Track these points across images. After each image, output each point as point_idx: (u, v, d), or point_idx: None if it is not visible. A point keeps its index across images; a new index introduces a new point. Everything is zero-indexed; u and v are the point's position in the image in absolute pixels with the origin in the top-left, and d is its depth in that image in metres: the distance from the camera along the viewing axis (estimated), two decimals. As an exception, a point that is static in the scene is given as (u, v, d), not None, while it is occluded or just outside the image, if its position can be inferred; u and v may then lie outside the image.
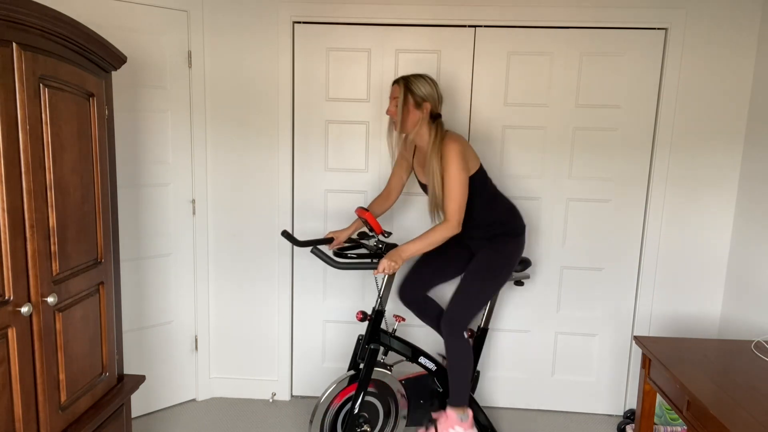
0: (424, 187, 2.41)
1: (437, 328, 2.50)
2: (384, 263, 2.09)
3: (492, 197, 2.32)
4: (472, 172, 2.21)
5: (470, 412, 2.34)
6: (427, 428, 2.45)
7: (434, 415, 2.39)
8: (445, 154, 2.14)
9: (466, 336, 2.26)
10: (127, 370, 2.67)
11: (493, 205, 2.31)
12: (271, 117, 2.79)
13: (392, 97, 2.23)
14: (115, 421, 1.95)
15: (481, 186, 2.26)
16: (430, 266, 2.47)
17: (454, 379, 2.28)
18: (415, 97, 2.18)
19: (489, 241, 2.32)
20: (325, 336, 3.00)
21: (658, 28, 2.61)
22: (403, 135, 2.31)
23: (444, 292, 2.86)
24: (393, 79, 2.72)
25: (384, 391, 2.39)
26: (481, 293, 2.27)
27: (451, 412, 2.30)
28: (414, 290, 2.46)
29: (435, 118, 2.22)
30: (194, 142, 2.76)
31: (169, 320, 2.82)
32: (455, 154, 2.13)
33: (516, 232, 2.33)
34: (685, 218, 2.74)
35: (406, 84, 2.19)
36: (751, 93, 2.60)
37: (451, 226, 2.14)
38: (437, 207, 2.24)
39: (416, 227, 2.84)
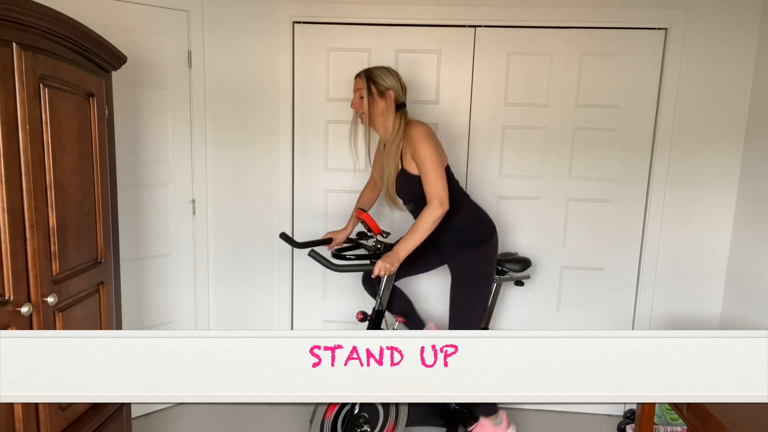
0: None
1: (405, 316, 2.51)
2: (380, 265, 2.08)
3: (460, 200, 2.27)
4: (444, 164, 2.18)
5: (503, 414, 2.40)
6: None
7: (469, 429, 2.43)
8: (412, 137, 2.14)
9: None
10: (127, 370, 2.67)
11: (461, 209, 2.26)
12: (271, 117, 2.79)
13: (356, 90, 2.24)
14: (115, 421, 1.95)
15: (449, 185, 2.18)
16: (409, 268, 2.44)
17: None
18: (378, 87, 2.19)
19: (457, 249, 2.27)
20: (325, 336, 3.00)
21: (658, 28, 2.61)
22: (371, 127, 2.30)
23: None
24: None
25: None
26: (472, 307, 2.28)
27: (485, 421, 2.36)
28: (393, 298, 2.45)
29: (399, 107, 2.23)
30: (194, 142, 2.76)
31: (170, 320, 2.82)
32: (423, 134, 2.13)
33: (483, 239, 2.29)
34: (686, 218, 2.73)
35: (367, 75, 2.21)
36: (751, 92, 2.60)
37: (435, 207, 2.09)
38: (388, 192, 2.26)
39: (416, 227, 2.83)
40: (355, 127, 2.36)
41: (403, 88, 2.26)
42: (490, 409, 2.38)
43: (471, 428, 2.42)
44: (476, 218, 2.31)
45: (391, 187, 2.26)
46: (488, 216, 2.35)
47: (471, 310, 2.28)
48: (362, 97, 2.21)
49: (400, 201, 2.36)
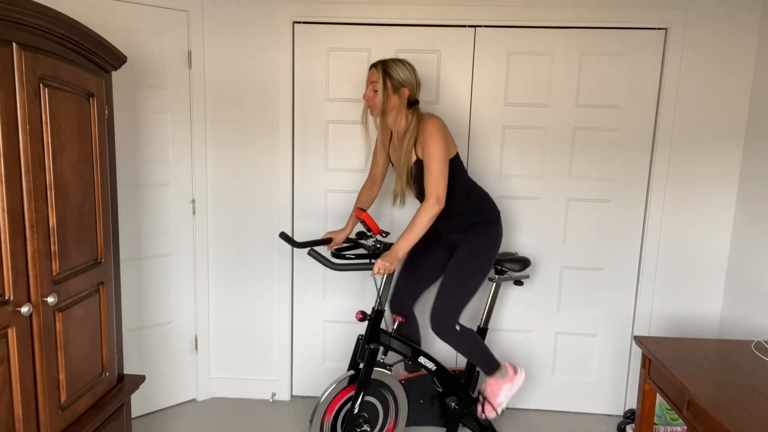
0: None
1: (413, 341, 2.53)
2: (379, 264, 2.09)
3: (469, 187, 2.31)
4: (451, 155, 2.20)
5: (507, 365, 2.43)
6: (482, 404, 2.45)
7: (482, 390, 2.45)
8: (424, 131, 2.13)
9: (458, 328, 2.27)
10: (127, 370, 2.67)
11: (469, 194, 2.30)
12: (271, 117, 2.79)
13: (369, 82, 2.21)
14: (115, 421, 1.95)
15: (458, 173, 2.25)
16: (416, 270, 2.46)
17: (474, 359, 2.34)
18: (393, 81, 2.17)
19: (466, 232, 2.31)
20: (325, 336, 3.00)
21: (658, 28, 2.61)
22: (380, 119, 2.28)
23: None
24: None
25: (384, 391, 2.39)
26: (464, 286, 2.26)
27: (491, 380, 2.40)
28: (403, 300, 2.47)
29: (412, 104, 2.22)
30: (194, 141, 2.76)
31: (169, 320, 2.82)
32: (435, 130, 2.12)
33: (492, 219, 2.32)
34: (685, 218, 2.74)
35: (384, 68, 2.17)
36: (751, 92, 2.60)
37: (432, 203, 2.11)
38: (402, 187, 2.24)
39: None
40: (366, 120, 2.33)
41: (418, 84, 2.24)
42: (491, 367, 2.38)
43: (483, 388, 2.44)
44: (484, 199, 2.35)
45: (406, 182, 2.23)
46: (493, 201, 2.39)
47: (458, 291, 2.25)
48: (376, 91, 2.18)
49: (410, 194, 2.33)
